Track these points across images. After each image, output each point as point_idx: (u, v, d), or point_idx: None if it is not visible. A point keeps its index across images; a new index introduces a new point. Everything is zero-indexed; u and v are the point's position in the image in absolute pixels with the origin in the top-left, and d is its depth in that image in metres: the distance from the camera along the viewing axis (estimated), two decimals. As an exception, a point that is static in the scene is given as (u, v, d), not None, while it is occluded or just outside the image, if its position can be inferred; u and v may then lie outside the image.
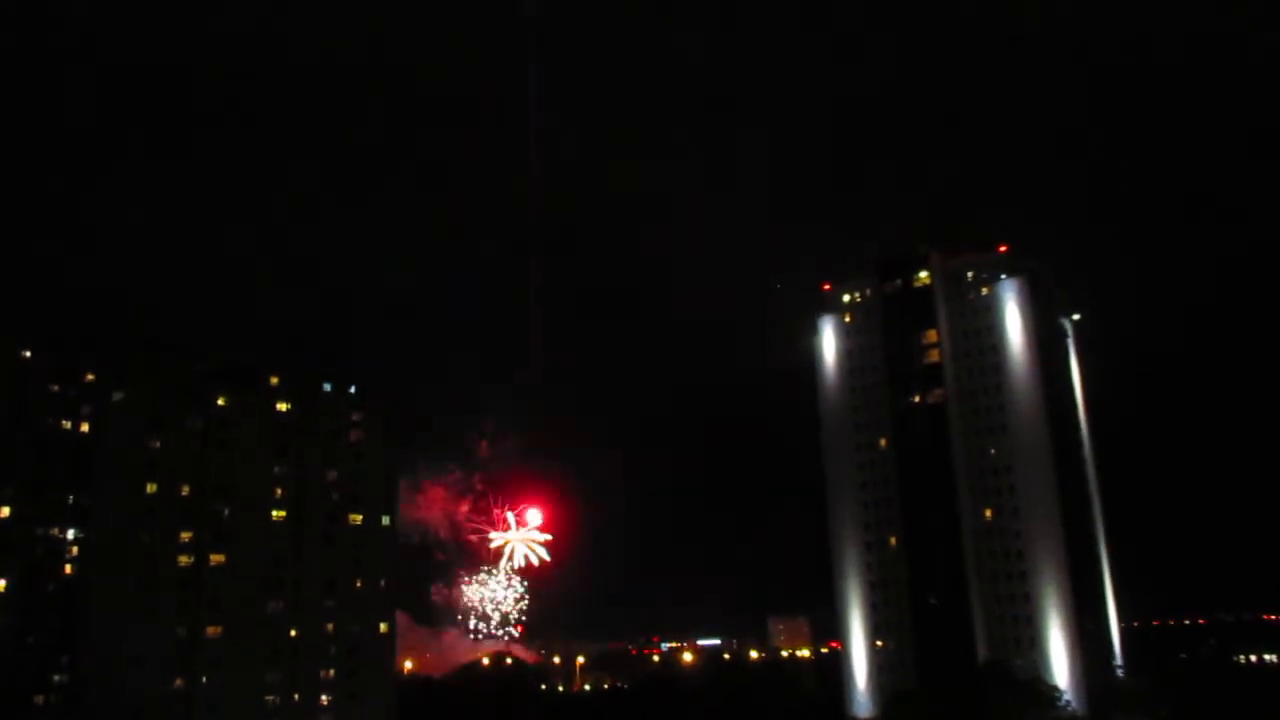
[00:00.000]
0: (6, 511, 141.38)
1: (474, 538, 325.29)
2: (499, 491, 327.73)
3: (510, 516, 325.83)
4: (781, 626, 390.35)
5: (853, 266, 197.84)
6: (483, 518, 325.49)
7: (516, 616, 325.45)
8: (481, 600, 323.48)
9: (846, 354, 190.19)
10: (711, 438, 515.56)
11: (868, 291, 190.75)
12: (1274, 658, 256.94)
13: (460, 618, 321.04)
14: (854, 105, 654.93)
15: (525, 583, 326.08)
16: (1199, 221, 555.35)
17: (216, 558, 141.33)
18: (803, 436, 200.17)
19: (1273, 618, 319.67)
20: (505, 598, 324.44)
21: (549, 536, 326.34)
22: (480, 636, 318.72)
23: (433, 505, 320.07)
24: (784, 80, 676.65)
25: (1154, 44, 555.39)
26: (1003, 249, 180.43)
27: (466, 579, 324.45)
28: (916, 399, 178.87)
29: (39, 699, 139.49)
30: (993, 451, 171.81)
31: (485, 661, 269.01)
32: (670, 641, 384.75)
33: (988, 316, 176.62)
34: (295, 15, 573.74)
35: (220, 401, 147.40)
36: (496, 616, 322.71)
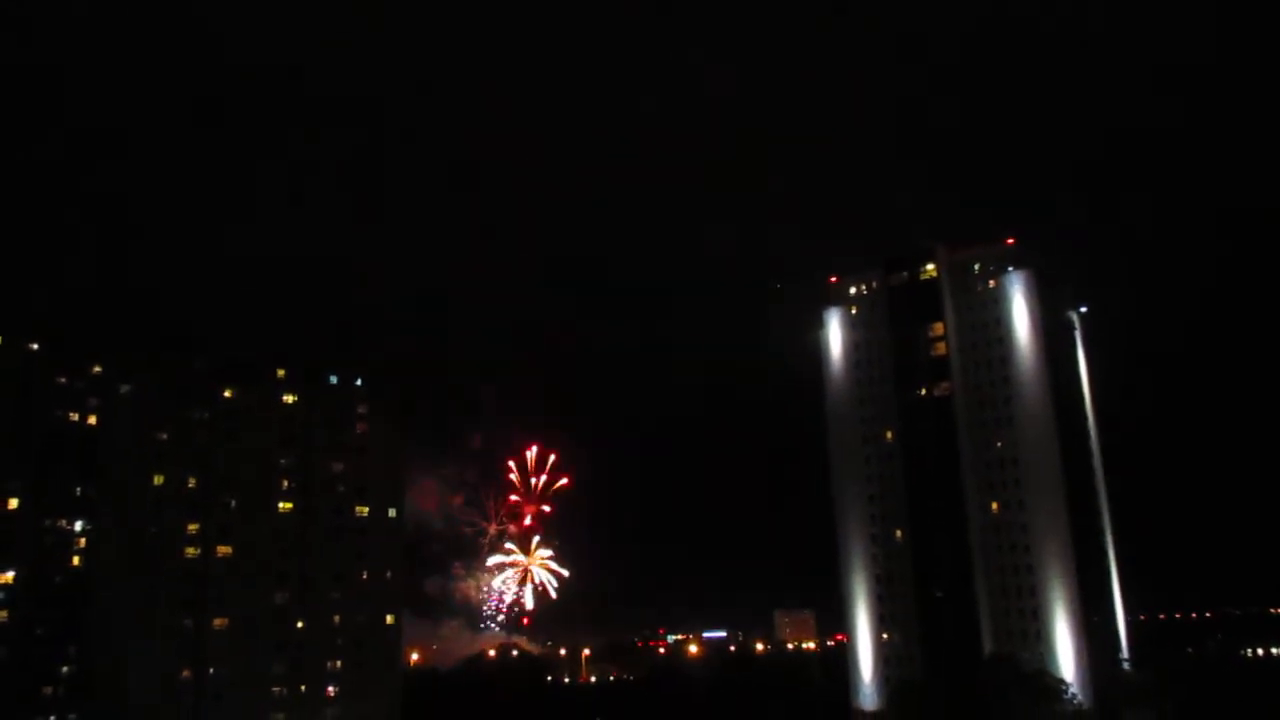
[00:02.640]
0: (15, 504, 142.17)
1: (468, 530, 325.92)
2: (491, 486, 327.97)
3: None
4: (787, 619, 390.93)
5: (859, 259, 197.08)
6: (476, 511, 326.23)
7: (520, 611, 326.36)
8: (489, 591, 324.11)
9: (853, 347, 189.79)
10: (717, 430, 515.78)
11: (874, 284, 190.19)
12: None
13: (458, 610, 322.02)
14: (861, 104, 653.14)
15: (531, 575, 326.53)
16: (1203, 217, 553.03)
17: (223, 549, 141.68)
18: (808, 429, 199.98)
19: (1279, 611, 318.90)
20: (512, 588, 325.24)
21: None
22: (485, 626, 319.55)
23: (426, 497, 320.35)
24: (785, 79, 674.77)
25: (1156, 45, 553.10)
26: (1009, 242, 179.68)
27: (462, 571, 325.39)
28: (923, 392, 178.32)
29: (47, 689, 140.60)
30: (999, 444, 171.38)
31: (491, 654, 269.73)
32: (676, 634, 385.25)
33: (994, 309, 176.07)
34: (304, 18, 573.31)
35: (227, 394, 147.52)
36: (500, 605, 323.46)
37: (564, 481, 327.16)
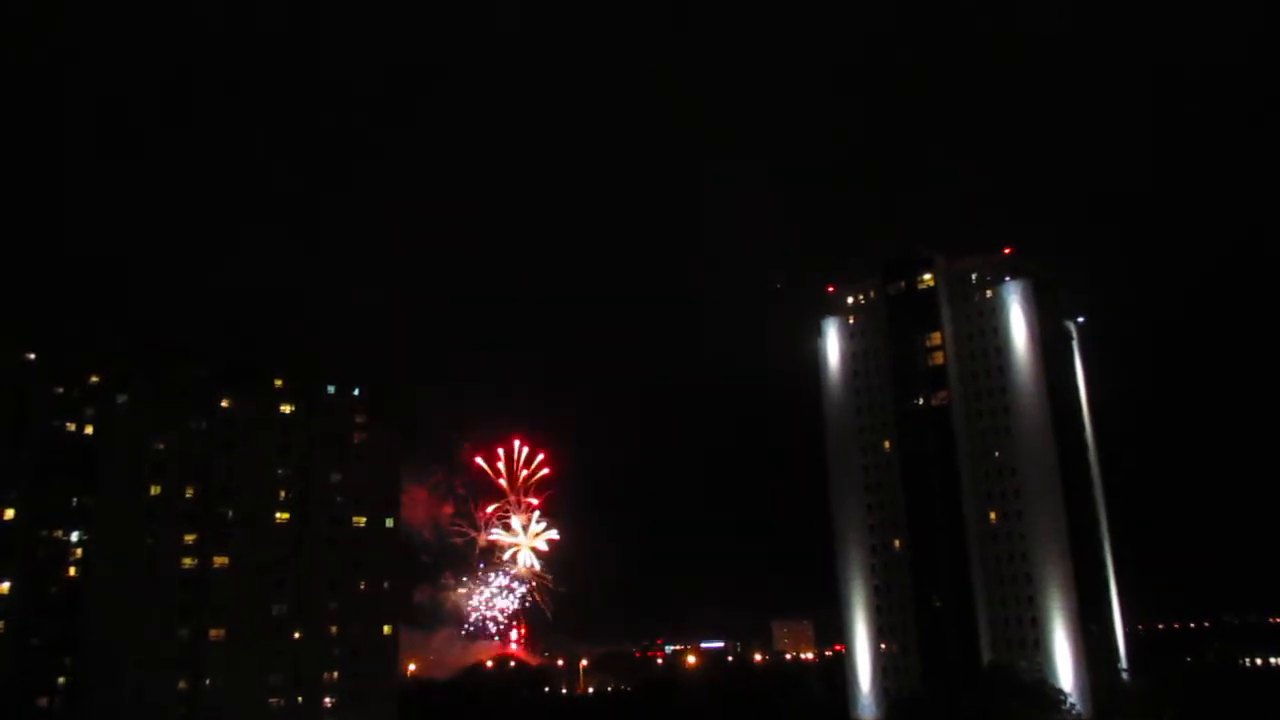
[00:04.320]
0: (11, 514, 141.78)
1: (458, 540, 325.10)
2: (481, 495, 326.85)
3: (515, 522, 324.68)
4: (785, 629, 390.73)
5: (857, 268, 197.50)
6: (466, 521, 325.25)
7: (515, 621, 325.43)
8: (483, 603, 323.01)
9: (850, 356, 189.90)
10: (715, 439, 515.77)
11: (872, 293, 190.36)
12: (1279, 660, 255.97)
13: (450, 620, 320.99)
14: (859, 106, 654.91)
15: (526, 588, 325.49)
16: (1201, 222, 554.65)
17: (220, 559, 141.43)
18: (806, 438, 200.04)
19: (1278, 620, 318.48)
20: (506, 600, 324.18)
21: (554, 534, 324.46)
22: (474, 634, 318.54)
23: (416, 507, 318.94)
24: (785, 79, 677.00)
25: (1155, 46, 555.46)
26: (1007, 251, 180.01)
27: (453, 581, 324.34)
28: (921, 401, 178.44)
29: (42, 700, 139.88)
30: (997, 454, 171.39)
31: (489, 664, 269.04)
32: (673, 644, 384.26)
33: (992, 318, 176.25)
34: (292, 19, 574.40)
35: (224, 403, 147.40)
36: (495, 618, 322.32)
37: (545, 477, 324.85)
